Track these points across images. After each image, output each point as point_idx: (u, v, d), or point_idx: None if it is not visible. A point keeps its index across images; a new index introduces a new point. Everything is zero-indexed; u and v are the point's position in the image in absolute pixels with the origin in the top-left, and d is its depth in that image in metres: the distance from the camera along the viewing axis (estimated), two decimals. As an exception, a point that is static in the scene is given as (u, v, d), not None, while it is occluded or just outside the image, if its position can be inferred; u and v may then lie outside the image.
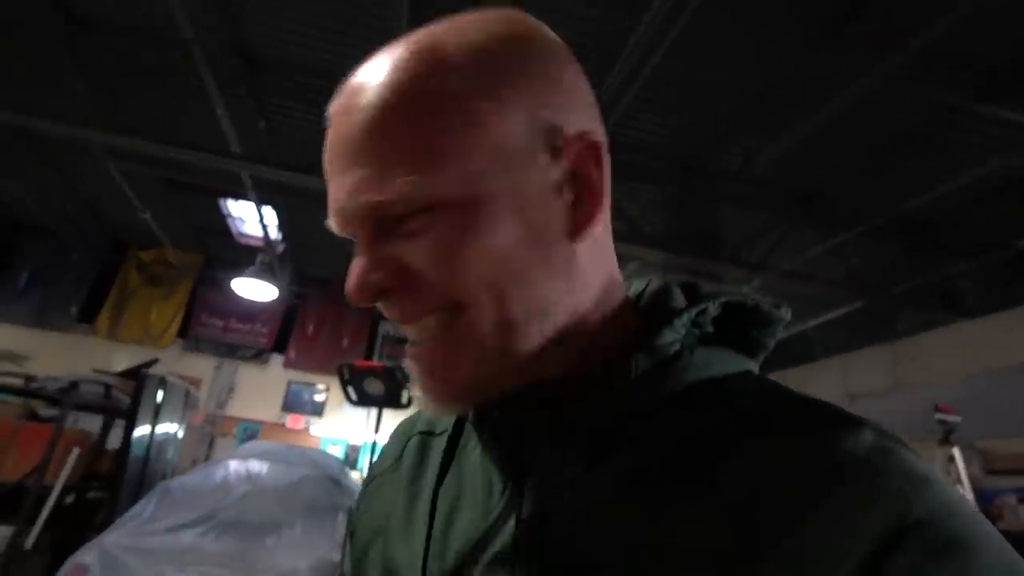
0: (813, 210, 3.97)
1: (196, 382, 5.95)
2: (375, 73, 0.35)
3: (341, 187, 0.35)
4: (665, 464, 0.32)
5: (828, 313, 4.73)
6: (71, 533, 3.42)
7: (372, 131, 0.34)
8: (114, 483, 3.63)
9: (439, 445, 0.45)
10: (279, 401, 6.53)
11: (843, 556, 0.25)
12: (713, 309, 0.38)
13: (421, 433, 0.49)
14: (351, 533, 0.51)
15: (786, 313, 0.40)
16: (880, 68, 2.59)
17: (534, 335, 0.36)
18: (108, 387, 3.73)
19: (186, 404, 4.74)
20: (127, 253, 6.18)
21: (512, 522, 0.34)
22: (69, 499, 3.65)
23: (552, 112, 0.36)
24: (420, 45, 0.35)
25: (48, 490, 3.30)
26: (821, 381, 5.43)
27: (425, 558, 0.38)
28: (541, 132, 0.35)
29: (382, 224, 0.35)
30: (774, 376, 0.37)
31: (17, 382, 3.56)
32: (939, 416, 2.69)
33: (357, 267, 0.36)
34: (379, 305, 0.37)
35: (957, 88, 2.68)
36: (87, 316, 5.98)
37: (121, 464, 3.62)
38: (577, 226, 0.36)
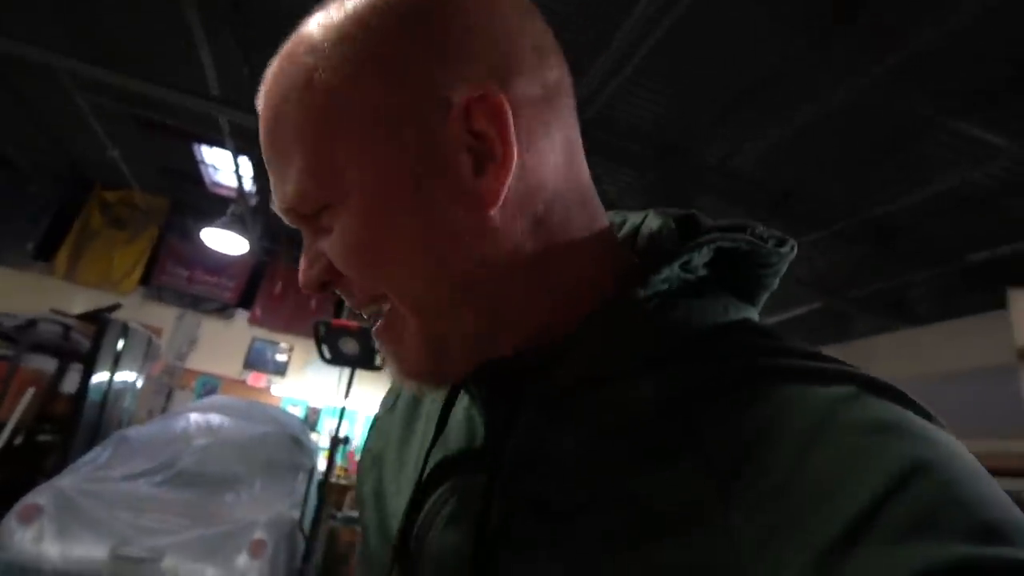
0: (787, 209, 4.07)
1: (157, 331, 5.80)
2: (270, 73, 0.36)
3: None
4: (644, 423, 0.31)
5: (789, 311, 4.90)
6: (20, 474, 3.34)
7: (268, 138, 0.35)
8: (68, 427, 3.55)
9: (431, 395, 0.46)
10: (241, 358, 6.43)
11: (829, 519, 0.23)
12: (699, 258, 0.35)
13: None
14: (367, 461, 0.52)
15: (790, 249, 0.37)
16: (863, 73, 2.66)
17: (468, 313, 0.35)
18: (67, 328, 3.62)
19: (147, 353, 4.64)
20: (91, 191, 5.92)
21: (487, 462, 0.35)
22: (18, 440, 3.56)
23: (439, 74, 0.33)
24: (296, 40, 0.35)
25: (-2, 429, 3.21)
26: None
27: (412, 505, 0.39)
28: (425, 100, 0.33)
29: (310, 220, 0.36)
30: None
31: (-31, 317, 3.42)
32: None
33: (301, 261, 0.38)
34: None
35: (934, 100, 2.78)
36: (44, 254, 5.74)
37: (78, 408, 3.54)
38: (485, 194, 0.34)
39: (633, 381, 0.33)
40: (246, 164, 4.81)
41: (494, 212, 0.34)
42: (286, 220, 0.37)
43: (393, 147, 0.33)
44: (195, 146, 5.02)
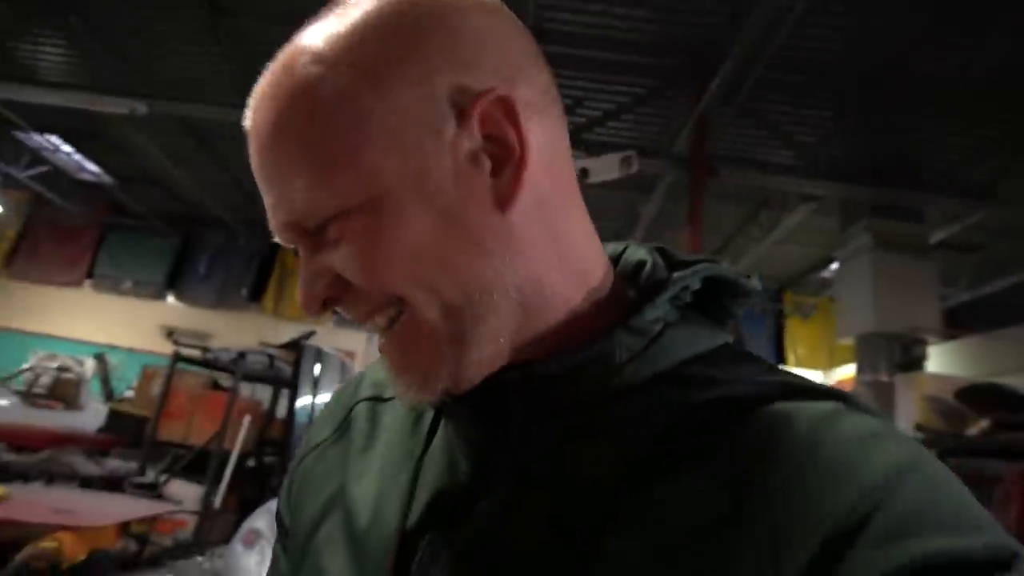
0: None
1: (351, 355, 6.28)
2: (264, 88, 0.35)
3: (266, 208, 0.35)
4: (650, 443, 0.32)
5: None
6: (253, 494, 3.69)
7: (267, 153, 0.34)
8: (283, 448, 3.86)
9: (395, 410, 0.44)
10: (424, 372, 6.75)
11: (810, 534, 0.26)
12: (694, 283, 0.37)
13: (368, 399, 0.48)
14: (287, 516, 0.48)
15: (758, 284, 0.39)
16: None
17: (483, 315, 0.34)
18: (271, 357, 3.96)
19: (342, 374, 4.97)
20: (283, 236, 6.68)
21: (482, 493, 0.34)
22: (250, 463, 3.95)
23: (452, 75, 0.33)
24: (294, 51, 0.34)
25: (229, 454, 3.57)
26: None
27: (403, 521, 0.36)
28: (440, 101, 0.33)
29: (311, 236, 0.34)
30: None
31: (197, 354, 3.90)
32: None
33: (300, 280, 0.36)
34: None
35: None
36: (256, 295, 6.55)
37: (288, 431, 3.83)
38: (502, 195, 0.34)
39: (642, 401, 0.34)
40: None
41: (513, 215, 0.34)
42: (282, 239, 0.36)
43: (414, 150, 0.32)
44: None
